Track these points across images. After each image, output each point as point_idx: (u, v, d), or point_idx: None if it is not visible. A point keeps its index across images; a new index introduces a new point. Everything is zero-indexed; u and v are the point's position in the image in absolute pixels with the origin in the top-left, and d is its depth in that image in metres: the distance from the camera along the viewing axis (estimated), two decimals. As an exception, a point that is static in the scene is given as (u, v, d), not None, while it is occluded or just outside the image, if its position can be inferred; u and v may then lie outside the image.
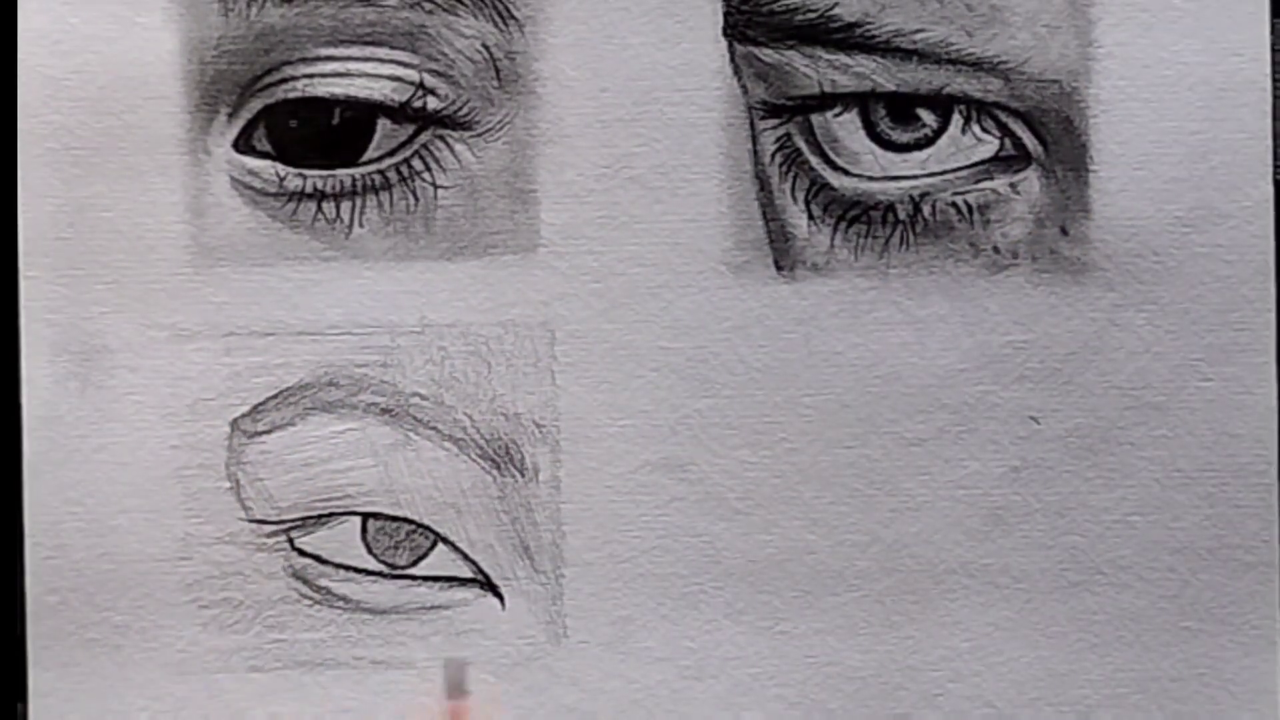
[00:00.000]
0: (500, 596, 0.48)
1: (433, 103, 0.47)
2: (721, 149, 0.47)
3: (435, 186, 0.47)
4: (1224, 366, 0.48)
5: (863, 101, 0.47)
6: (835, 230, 0.48)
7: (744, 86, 0.47)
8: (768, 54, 0.47)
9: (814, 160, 0.47)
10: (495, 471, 0.48)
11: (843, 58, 0.47)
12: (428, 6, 0.47)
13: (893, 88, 0.47)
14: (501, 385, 0.48)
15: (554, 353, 0.48)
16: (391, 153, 0.47)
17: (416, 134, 0.47)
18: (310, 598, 0.48)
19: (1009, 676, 0.48)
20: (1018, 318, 0.48)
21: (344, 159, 0.47)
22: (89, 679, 0.47)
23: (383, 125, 0.47)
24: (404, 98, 0.47)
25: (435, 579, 0.48)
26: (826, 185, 0.48)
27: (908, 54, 0.47)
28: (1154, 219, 0.48)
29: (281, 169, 0.47)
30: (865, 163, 0.48)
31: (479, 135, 0.47)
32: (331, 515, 0.48)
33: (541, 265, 0.48)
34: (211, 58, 0.47)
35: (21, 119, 0.47)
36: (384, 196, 0.47)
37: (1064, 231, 0.48)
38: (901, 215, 0.48)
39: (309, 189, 0.47)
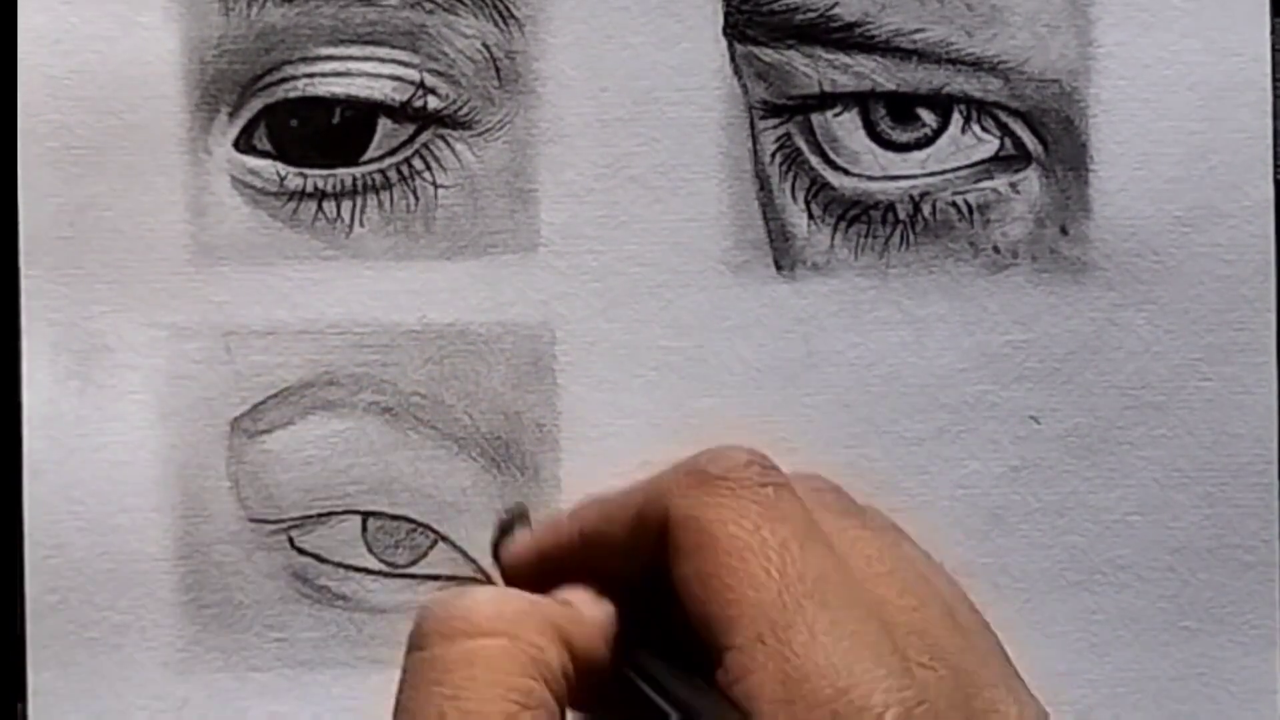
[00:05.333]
0: (500, 596, 0.48)
1: (433, 102, 0.47)
2: (721, 149, 0.47)
3: (435, 186, 0.47)
4: (1224, 366, 0.48)
5: (863, 101, 0.47)
6: (835, 230, 0.48)
7: (744, 86, 0.47)
8: (768, 54, 0.47)
9: (814, 160, 0.47)
10: (495, 471, 0.48)
11: (843, 57, 0.47)
12: (428, 6, 0.47)
13: (893, 87, 0.47)
14: (501, 385, 0.48)
15: (554, 353, 0.48)
16: (392, 152, 0.47)
17: (417, 133, 0.47)
18: (310, 597, 0.48)
19: (1009, 676, 0.48)
20: (1017, 317, 0.48)
21: (344, 158, 0.47)
22: (89, 679, 0.47)
23: (383, 125, 0.47)
24: (404, 97, 0.47)
25: (435, 578, 0.48)
26: (826, 185, 0.48)
27: (908, 54, 0.47)
28: (1154, 218, 0.48)
29: (282, 168, 0.47)
30: (865, 162, 0.48)
31: (479, 135, 0.47)
32: (331, 514, 0.48)
33: (541, 265, 0.48)
34: (212, 57, 0.47)
35: (21, 119, 0.47)
36: (384, 196, 0.47)
37: (1064, 231, 0.48)
38: (901, 215, 0.48)
39: (309, 188, 0.47)
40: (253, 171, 0.47)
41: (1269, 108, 0.48)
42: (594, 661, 0.37)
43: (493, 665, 0.35)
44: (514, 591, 0.37)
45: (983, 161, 0.48)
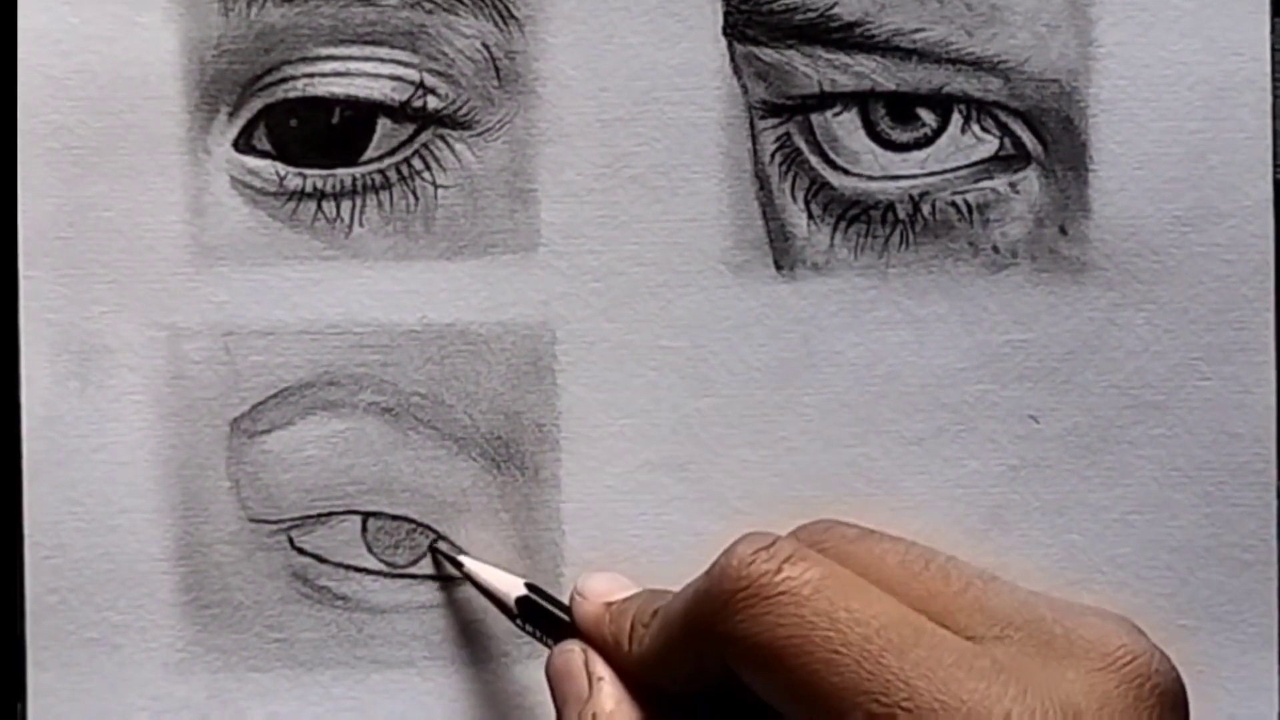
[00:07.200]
0: (500, 596, 0.48)
1: (433, 102, 0.47)
2: (721, 149, 0.47)
3: (435, 186, 0.47)
4: (1223, 366, 0.48)
5: (862, 101, 0.47)
6: (835, 230, 0.48)
7: (744, 86, 0.47)
8: (768, 53, 0.47)
9: (814, 160, 0.47)
10: (495, 471, 0.48)
11: (842, 57, 0.47)
12: (428, 6, 0.47)
13: (892, 87, 0.47)
14: (501, 385, 0.48)
15: (554, 353, 0.48)
16: (391, 152, 0.47)
17: (416, 133, 0.47)
18: (310, 598, 0.48)
19: (1008, 675, 0.48)
20: (1017, 317, 0.48)
21: (344, 158, 0.47)
22: (89, 679, 0.47)
23: (383, 125, 0.47)
24: (404, 97, 0.47)
25: (435, 578, 0.48)
26: (826, 185, 0.48)
27: (907, 53, 0.47)
28: (1153, 218, 0.48)
29: (281, 168, 0.47)
30: (865, 162, 0.48)
31: (479, 135, 0.47)
32: (331, 514, 0.48)
33: (541, 265, 0.48)
34: (211, 57, 0.47)
35: (21, 119, 0.47)
36: (384, 196, 0.47)
37: (1063, 231, 0.48)
38: (901, 214, 0.48)
39: (309, 188, 0.47)
40: (252, 171, 0.47)
41: (1269, 108, 0.48)
42: None
43: None
44: None
45: (982, 161, 0.48)
